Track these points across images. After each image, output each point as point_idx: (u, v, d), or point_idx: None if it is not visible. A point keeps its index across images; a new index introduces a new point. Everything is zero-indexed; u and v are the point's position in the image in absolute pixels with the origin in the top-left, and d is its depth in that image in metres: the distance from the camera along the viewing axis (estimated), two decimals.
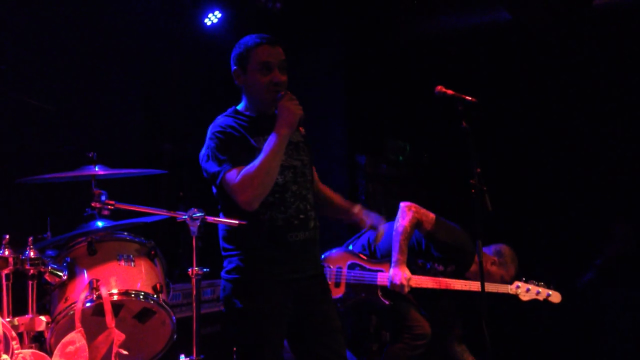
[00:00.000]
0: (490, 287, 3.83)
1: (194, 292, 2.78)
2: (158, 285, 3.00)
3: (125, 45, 4.95)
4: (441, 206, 4.25)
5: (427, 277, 3.93)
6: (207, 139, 2.92)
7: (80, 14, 4.61)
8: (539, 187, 5.36)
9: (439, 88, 3.59)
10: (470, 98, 3.50)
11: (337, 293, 3.97)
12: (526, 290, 3.89)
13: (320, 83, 5.91)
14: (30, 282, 2.79)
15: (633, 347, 4.81)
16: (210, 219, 2.82)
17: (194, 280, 2.80)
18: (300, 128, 2.89)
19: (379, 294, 3.93)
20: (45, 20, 4.40)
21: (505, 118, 5.38)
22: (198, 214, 2.79)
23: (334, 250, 4.16)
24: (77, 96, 4.58)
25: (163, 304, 2.98)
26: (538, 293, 3.89)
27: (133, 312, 3.00)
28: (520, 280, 3.92)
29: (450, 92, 3.53)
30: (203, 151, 2.93)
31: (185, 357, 2.81)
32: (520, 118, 5.44)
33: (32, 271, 2.78)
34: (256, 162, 2.72)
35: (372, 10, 5.70)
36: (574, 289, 5.08)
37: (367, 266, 4.02)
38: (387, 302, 3.93)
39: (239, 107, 3.03)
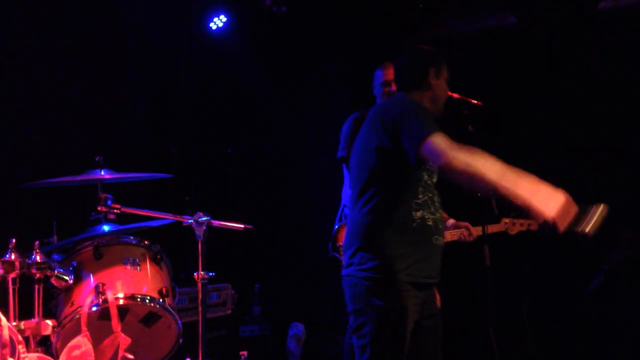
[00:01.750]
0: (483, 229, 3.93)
1: (200, 296, 2.78)
2: (164, 290, 2.99)
3: (130, 48, 4.96)
4: (448, 210, 4.23)
5: None
6: (400, 109, 2.81)
7: (86, 18, 4.62)
8: None
9: None
10: (476, 102, 3.50)
11: None
12: (512, 224, 4.06)
13: (326, 85, 5.91)
14: (36, 286, 2.79)
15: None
16: (215, 223, 2.83)
17: (199, 285, 2.79)
18: None
19: None
20: (51, 25, 4.41)
21: (511, 122, 5.35)
22: (204, 218, 2.79)
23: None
24: (83, 100, 4.59)
25: (169, 308, 2.98)
26: (522, 225, 4.09)
27: (139, 316, 2.99)
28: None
29: (456, 95, 3.53)
30: (390, 118, 2.80)
31: None
32: (526, 122, 5.42)
33: (38, 275, 2.78)
34: (483, 160, 2.53)
35: (379, 14, 5.70)
36: (582, 295, 5.05)
37: None
38: None
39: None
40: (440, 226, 2.89)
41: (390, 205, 2.80)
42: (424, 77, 2.99)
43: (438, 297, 3.02)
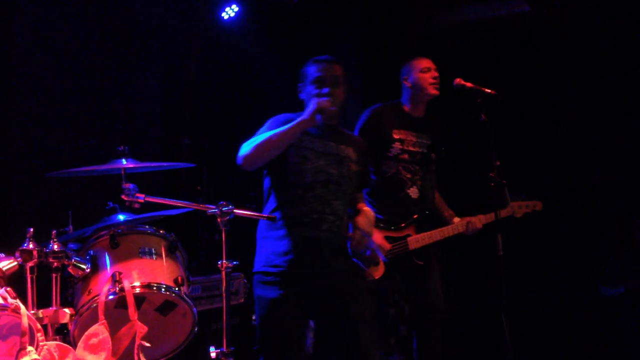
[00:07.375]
0: (489, 217, 4.05)
1: (224, 285, 2.84)
2: (179, 278, 3.00)
3: (143, 39, 4.97)
4: (460, 200, 4.24)
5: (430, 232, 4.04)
6: None
7: (98, 9, 4.64)
8: (558, 181, 5.32)
9: (458, 80, 3.59)
10: (489, 90, 3.49)
11: (380, 272, 3.94)
12: (518, 207, 4.16)
13: None
14: (54, 275, 2.81)
15: None
16: (239, 212, 2.84)
17: (223, 273, 2.83)
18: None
19: (414, 258, 4.00)
20: (64, 18, 4.43)
21: (524, 111, 5.34)
22: (227, 207, 2.81)
23: None
24: (96, 91, 4.61)
25: (184, 296, 2.99)
26: (527, 207, 4.20)
27: (155, 305, 3.01)
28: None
29: (469, 84, 3.53)
30: None
31: (216, 349, 2.83)
32: (539, 111, 5.41)
33: (55, 264, 2.79)
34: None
35: (390, 2, 5.68)
36: (596, 287, 5.05)
37: (395, 235, 4.01)
38: (421, 263, 4.01)
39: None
40: (307, 220, 3.06)
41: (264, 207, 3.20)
42: None
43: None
